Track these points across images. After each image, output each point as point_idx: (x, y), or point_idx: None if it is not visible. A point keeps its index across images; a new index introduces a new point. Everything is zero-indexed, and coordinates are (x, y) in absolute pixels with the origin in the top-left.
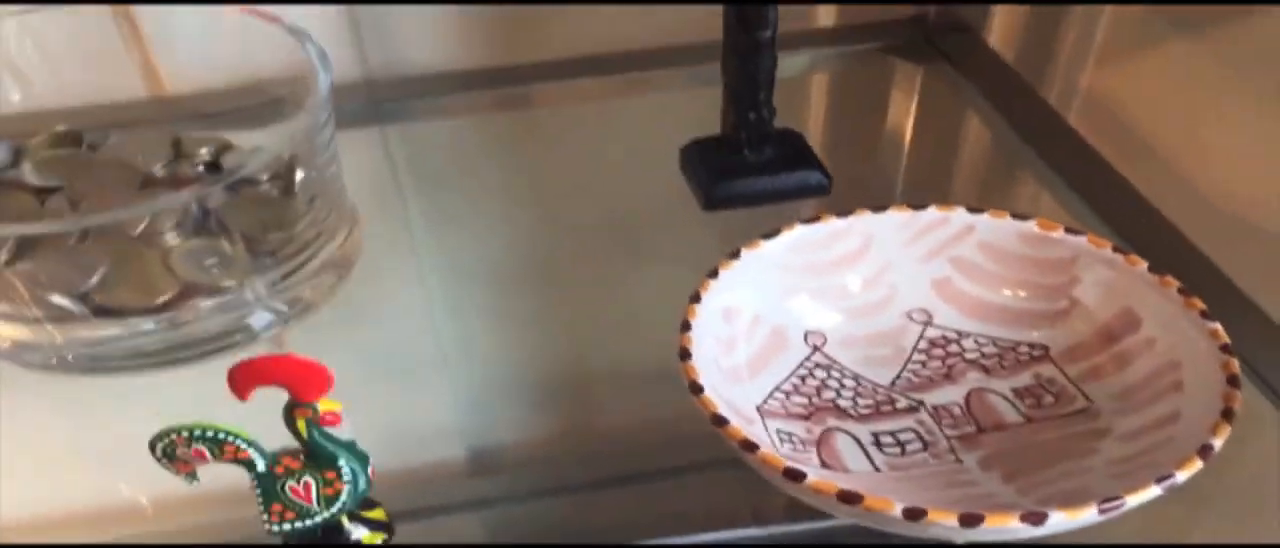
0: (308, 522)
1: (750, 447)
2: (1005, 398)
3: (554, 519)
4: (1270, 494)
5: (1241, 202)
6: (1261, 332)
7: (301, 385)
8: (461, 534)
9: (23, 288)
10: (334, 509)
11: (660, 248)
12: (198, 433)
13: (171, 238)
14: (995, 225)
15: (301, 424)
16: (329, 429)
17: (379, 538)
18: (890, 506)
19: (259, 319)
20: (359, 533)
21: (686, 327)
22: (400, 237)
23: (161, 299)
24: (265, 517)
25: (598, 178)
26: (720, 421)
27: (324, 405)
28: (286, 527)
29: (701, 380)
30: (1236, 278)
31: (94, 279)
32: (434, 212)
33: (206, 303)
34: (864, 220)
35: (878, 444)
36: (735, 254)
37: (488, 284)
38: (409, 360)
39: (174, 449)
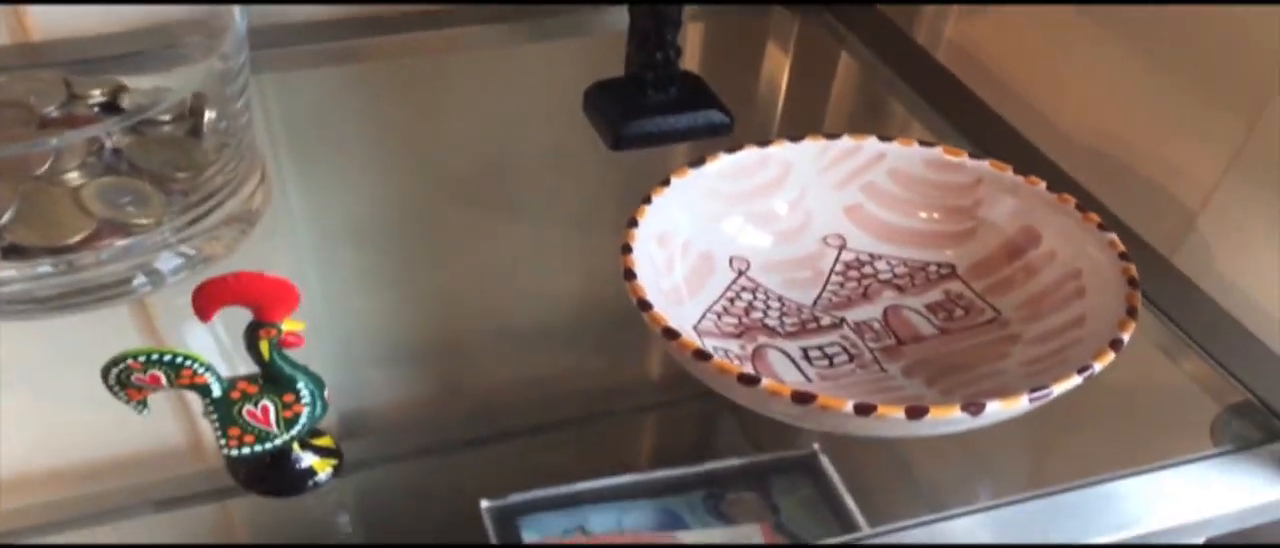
0: (267, 445)
1: (703, 356)
2: (919, 313)
3: (433, 480)
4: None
5: (1095, 133)
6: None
7: (269, 304)
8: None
9: None
10: (294, 431)
11: (564, 190)
12: (155, 358)
13: (76, 178)
14: (904, 152)
15: (264, 345)
16: (288, 352)
17: (330, 465)
18: (842, 404)
19: (166, 262)
20: (309, 460)
21: (627, 249)
22: (294, 190)
23: (77, 237)
24: (223, 442)
25: (499, 123)
26: (671, 333)
27: (288, 326)
28: (246, 451)
29: (649, 297)
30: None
31: (4, 217)
32: (325, 165)
33: (123, 242)
34: (783, 149)
35: (807, 358)
36: (665, 181)
37: (383, 238)
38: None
39: (128, 375)
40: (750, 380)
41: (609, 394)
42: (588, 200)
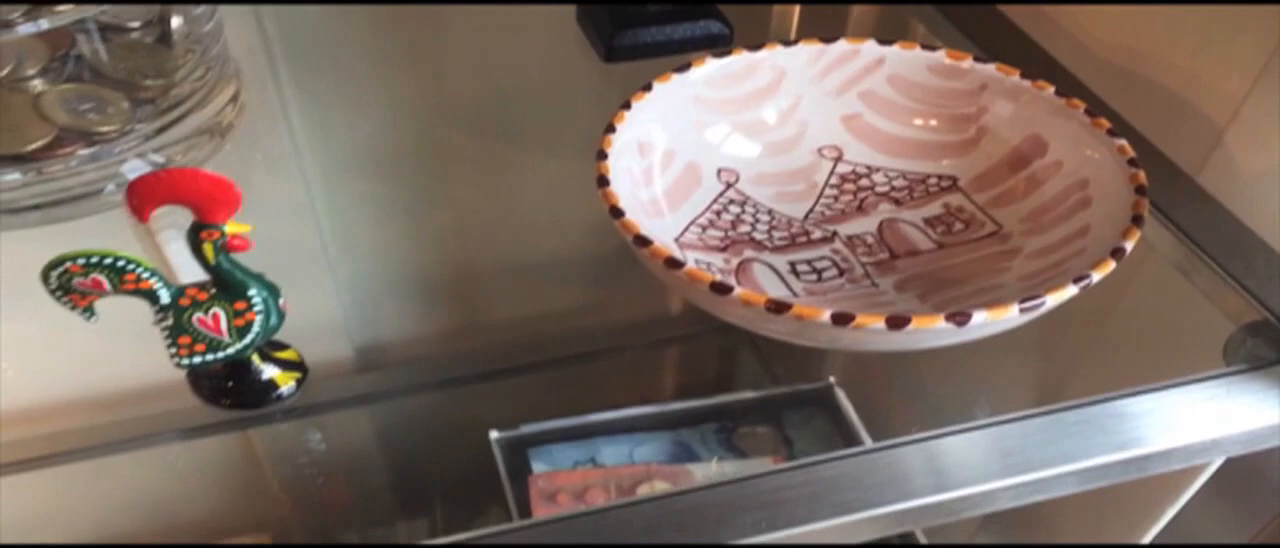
0: (219, 354)
1: (675, 264)
2: (917, 227)
3: (443, 413)
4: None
5: (1119, 49)
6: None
7: (208, 204)
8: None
9: None
10: (247, 341)
11: (558, 108)
12: (95, 260)
13: (39, 85)
14: (904, 57)
15: (208, 248)
16: (237, 256)
17: (293, 378)
18: (818, 313)
19: (133, 169)
20: (271, 372)
21: (602, 156)
22: (279, 115)
23: (34, 145)
24: (173, 351)
25: (489, 38)
26: (643, 241)
27: (232, 228)
28: (196, 360)
29: (621, 205)
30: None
31: None
32: (323, 91)
33: (84, 151)
34: (776, 54)
35: (795, 273)
36: (647, 87)
37: (374, 163)
38: (290, 248)
39: (69, 279)
40: (722, 289)
41: (625, 328)
42: (583, 119)
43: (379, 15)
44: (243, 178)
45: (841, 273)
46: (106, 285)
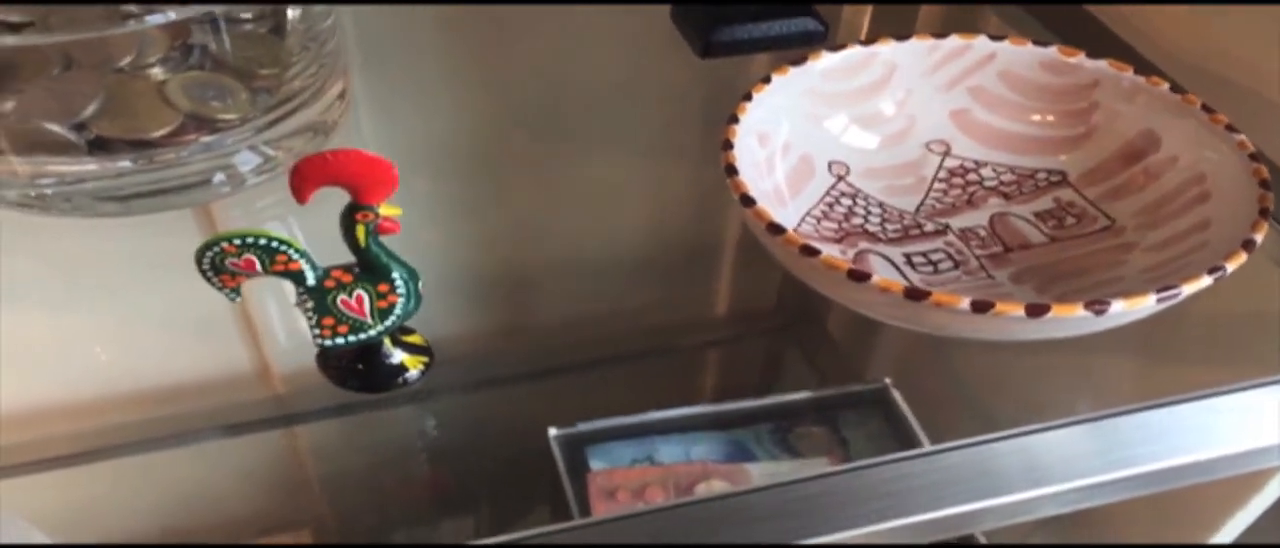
0: (361, 336)
1: (811, 252)
2: (1028, 221)
3: (502, 410)
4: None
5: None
6: None
7: (367, 184)
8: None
9: (12, 117)
10: (387, 322)
11: (649, 106)
12: (251, 241)
13: (159, 73)
14: (1016, 53)
15: (361, 231)
16: (384, 239)
17: (421, 362)
18: (957, 300)
19: (246, 161)
20: (400, 356)
21: (728, 146)
22: (367, 113)
23: (162, 131)
24: (316, 332)
25: (585, 33)
26: (776, 229)
27: (385, 210)
28: (339, 341)
29: (752, 193)
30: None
31: (90, 108)
32: (401, 84)
33: (207, 138)
34: (888, 48)
35: (911, 264)
36: (766, 79)
37: (459, 160)
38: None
39: (222, 260)
40: (860, 277)
41: (678, 328)
42: (673, 116)
43: (467, 14)
44: None
45: (956, 265)
46: (257, 266)
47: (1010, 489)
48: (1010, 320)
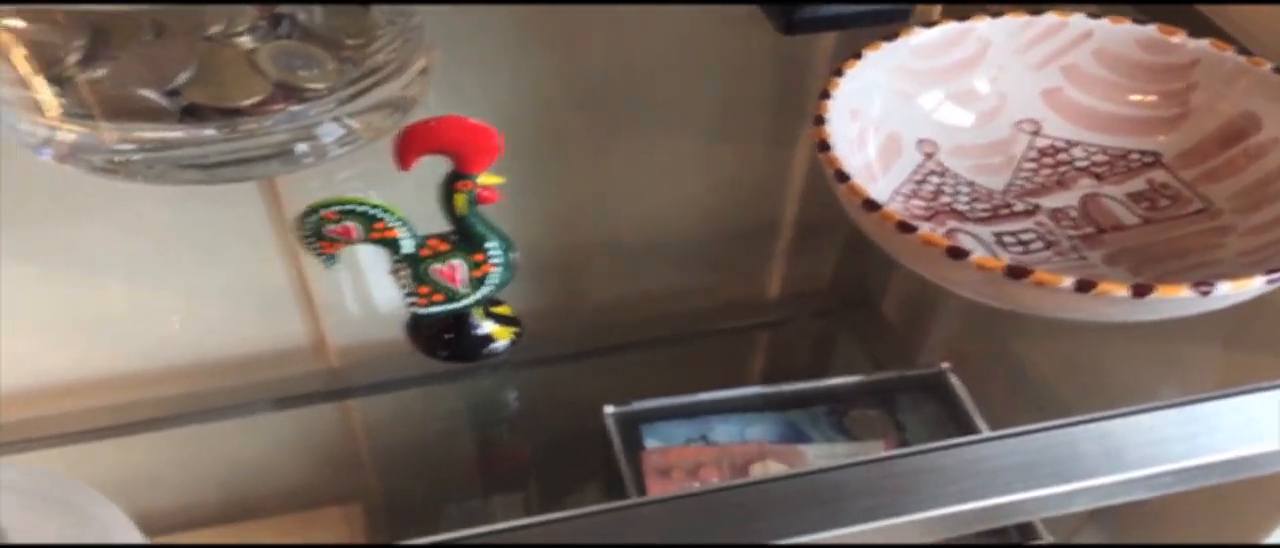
0: (455, 305)
1: (908, 228)
2: (1120, 202)
3: (558, 387)
4: None
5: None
6: None
7: (471, 152)
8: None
9: (106, 83)
10: (482, 292)
11: (727, 83)
12: (349, 208)
13: (248, 41)
14: (1114, 31)
15: (460, 199)
16: (482, 209)
17: (510, 333)
18: (1058, 280)
19: (329, 132)
20: (489, 327)
21: (820, 121)
22: (455, 87)
23: (252, 99)
24: (411, 300)
25: (664, 9)
26: (872, 205)
27: (485, 179)
28: (433, 310)
29: (846, 168)
30: None
31: (183, 76)
32: (484, 61)
33: (296, 107)
34: (982, 25)
35: (1001, 244)
36: (858, 54)
37: (531, 138)
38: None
39: (321, 226)
40: (958, 254)
41: (732, 308)
42: (747, 94)
43: None
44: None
45: (1048, 246)
46: (355, 233)
47: (1074, 476)
48: (1111, 301)
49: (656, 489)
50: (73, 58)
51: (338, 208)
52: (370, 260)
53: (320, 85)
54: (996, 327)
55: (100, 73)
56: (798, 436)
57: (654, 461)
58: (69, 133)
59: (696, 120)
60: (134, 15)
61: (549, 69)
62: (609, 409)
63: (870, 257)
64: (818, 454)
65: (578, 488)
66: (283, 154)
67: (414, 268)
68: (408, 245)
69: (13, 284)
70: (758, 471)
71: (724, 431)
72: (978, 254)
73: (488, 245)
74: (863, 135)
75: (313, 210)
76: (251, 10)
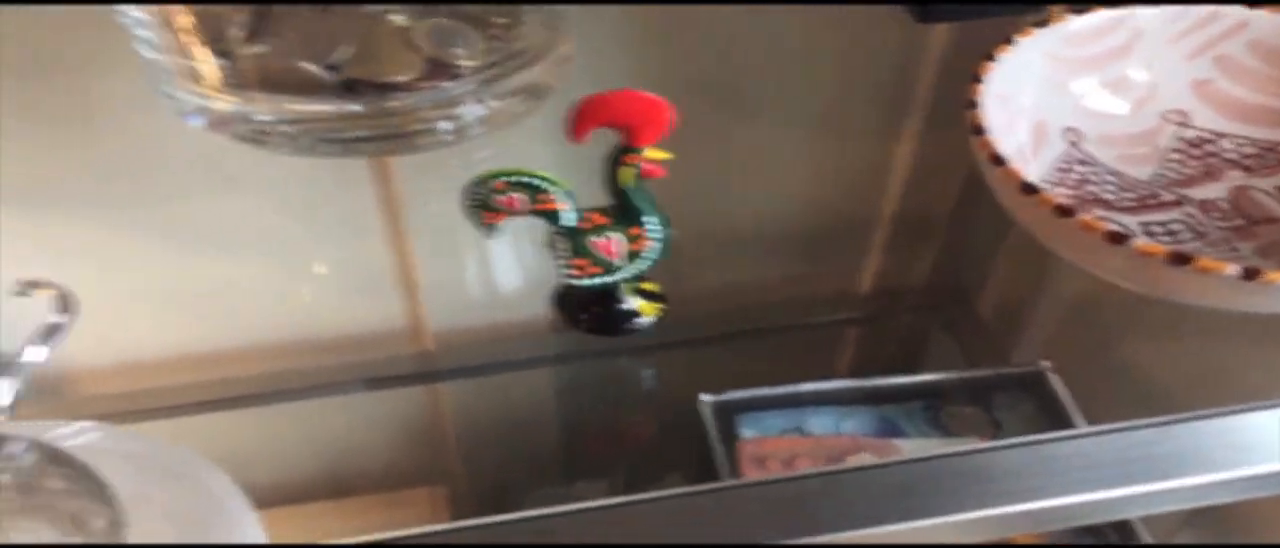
0: (611, 277)
1: (1066, 212)
2: (1271, 195)
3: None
4: None
5: None
6: None
7: (642, 126)
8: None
9: (268, 56)
10: (637, 266)
11: (858, 64)
12: (520, 179)
13: (401, 18)
14: (1273, 22)
15: (627, 173)
16: (644, 183)
17: (656, 309)
18: (1222, 267)
19: (471, 111)
20: (636, 302)
21: (973, 105)
22: (588, 72)
23: (408, 75)
24: (567, 272)
25: None
26: (1030, 189)
27: (652, 153)
28: (589, 281)
29: (1001, 151)
30: None
31: (342, 51)
32: (618, 48)
33: (446, 84)
34: (1135, 14)
35: (1148, 233)
36: (1009, 40)
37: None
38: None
39: (489, 197)
40: (1118, 239)
41: (826, 301)
42: (873, 83)
43: None
44: (546, 135)
45: (1198, 236)
46: (520, 204)
47: (1173, 474)
48: (1272, 291)
49: (752, 477)
50: (237, 31)
51: (507, 178)
52: (478, 243)
53: (471, 63)
54: (1094, 326)
55: (263, 47)
56: (893, 430)
57: (750, 450)
58: (224, 102)
59: (811, 109)
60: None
61: (677, 55)
62: (705, 398)
63: (966, 252)
64: (913, 449)
65: (671, 476)
66: (424, 132)
67: (573, 240)
68: (569, 218)
69: (132, 252)
70: (852, 463)
71: (819, 423)
72: (1140, 240)
73: (646, 220)
74: (1013, 121)
75: (483, 180)
76: None
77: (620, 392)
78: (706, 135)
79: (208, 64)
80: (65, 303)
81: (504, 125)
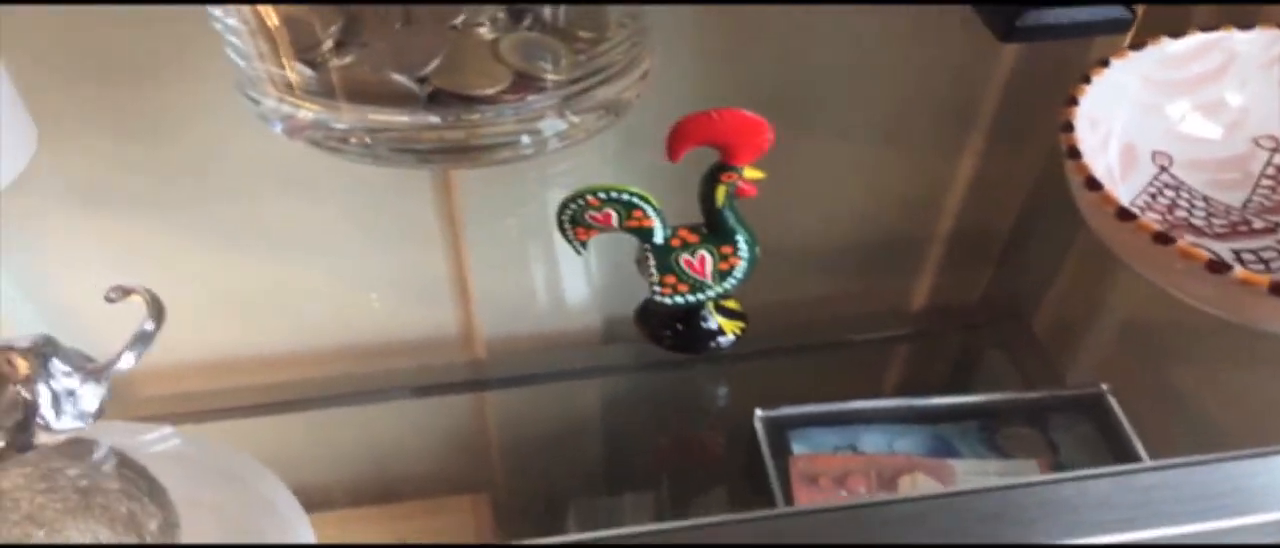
0: (700, 295)
1: (1165, 240)
2: None
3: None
4: None
5: None
6: None
7: (741, 145)
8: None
9: (357, 67)
10: (726, 285)
11: (933, 81)
12: (613, 195)
13: (487, 32)
14: None
15: (721, 192)
16: (736, 202)
17: (738, 327)
18: None
19: (552, 126)
20: (718, 320)
21: (1068, 128)
22: (666, 91)
23: (495, 88)
24: (657, 288)
25: (877, 12)
26: (1126, 215)
27: (749, 173)
28: (677, 300)
29: (1098, 175)
30: None
31: (432, 63)
32: (697, 66)
33: (533, 97)
34: (1230, 38)
35: (1240, 261)
36: (1104, 62)
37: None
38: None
39: (583, 213)
40: (1220, 268)
41: (879, 318)
42: (944, 100)
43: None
44: (623, 151)
45: None
46: (613, 221)
47: (1249, 511)
48: None
49: (804, 496)
50: (327, 43)
51: (601, 194)
52: (534, 253)
53: (558, 77)
54: (1151, 350)
55: (351, 57)
56: (947, 450)
57: (802, 467)
58: (307, 110)
59: (878, 125)
60: (386, 3)
61: (750, 70)
62: (759, 413)
63: (1022, 270)
64: (967, 470)
65: (723, 491)
66: (504, 146)
67: (662, 258)
68: (660, 235)
69: (192, 254)
70: (906, 483)
71: (872, 441)
72: (1242, 269)
73: (737, 238)
74: (1104, 144)
75: (576, 196)
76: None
77: (671, 406)
78: (780, 147)
79: (294, 72)
80: (156, 309)
81: (581, 141)
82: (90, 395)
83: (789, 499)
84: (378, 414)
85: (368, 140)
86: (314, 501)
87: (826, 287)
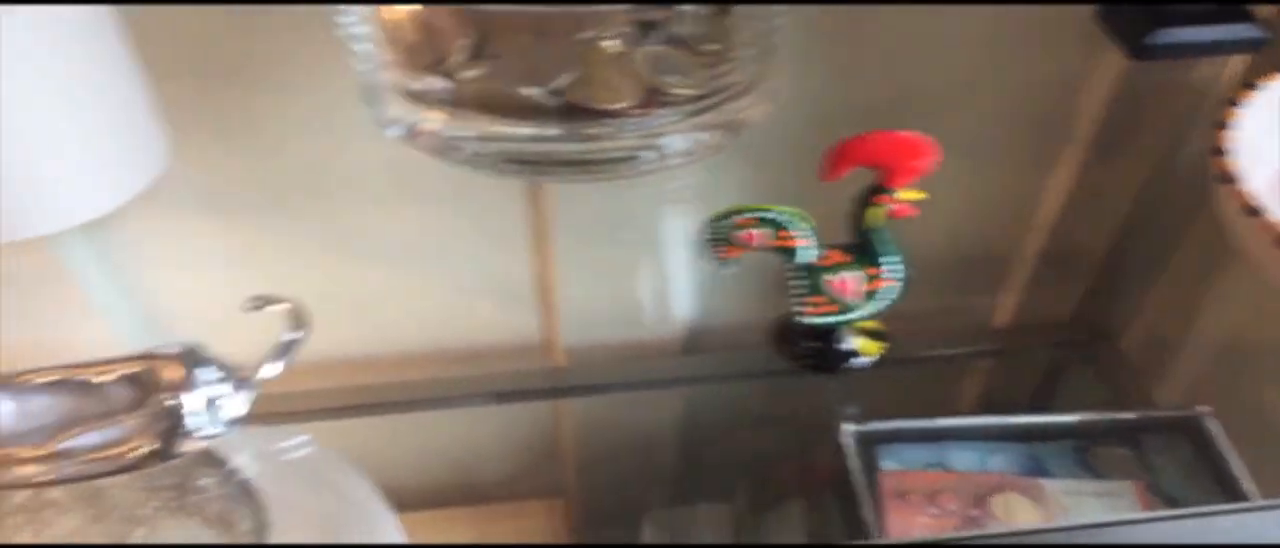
0: (846, 316)
1: None
2: None
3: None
4: None
5: None
6: None
7: (901, 167)
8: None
9: (489, 79)
10: (873, 306)
11: (1061, 104)
12: (764, 214)
13: (615, 45)
14: None
15: (875, 212)
16: (890, 223)
17: (878, 348)
18: None
19: (674, 143)
20: (856, 341)
21: (1219, 152)
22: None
23: (628, 102)
24: (800, 307)
25: (999, 29)
26: None
27: (905, 194)
28: (823, 320)
29: (1256, 203)
30: None
31: (564, 76)
32: (810, 82)
33: (662, 111)
34: None
35: None
36: (1250, 85)
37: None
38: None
39: (729, 231)
40: None
41: (971, 334)
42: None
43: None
44: (725, 167)
45: None
46: (759, 239)
47: None
48: None
49: (894, 511)
50: (459, 56)
51: (753, 213)
52: (618, 265)
53: (688, 91)
54: (1246, 374)
55: (483, 69)
56: (1040, 469)
57: (891, 483)
58: (430, 120)
59: (987, 138)
60: (517, 17)
61: (870, 86)
62: (849, 427)
63: (1114, 289)
64: (1061, 490)
65: (806, 506)
66: (624, 160)
67: (809, 277)
68: (808, 254)
69: (293, 256)
70: (998, 502)
71: (962, 458)
72: None
73: (886, 260)
74: (1252, 168)
75: (725, 215)
76: (622, 15)
77: (757, 417)
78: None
79: (422, 81)
80: (298, 319)
81: (703, 156)
82: (234, 404)
83: (879, 515)
84: (461, 417)
85: (483, 149)
86: (402, 501)
87: (917, 301)
